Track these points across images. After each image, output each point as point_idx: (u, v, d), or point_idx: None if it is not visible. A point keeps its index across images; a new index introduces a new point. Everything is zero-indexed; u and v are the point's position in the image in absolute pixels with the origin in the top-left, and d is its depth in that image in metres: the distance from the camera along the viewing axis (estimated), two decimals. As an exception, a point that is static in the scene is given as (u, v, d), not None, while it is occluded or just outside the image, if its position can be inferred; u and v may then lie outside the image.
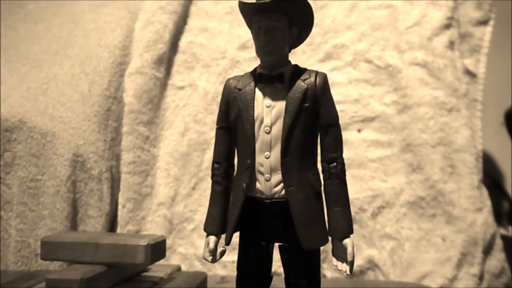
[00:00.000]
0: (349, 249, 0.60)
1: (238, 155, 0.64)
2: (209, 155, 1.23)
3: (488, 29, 1.32)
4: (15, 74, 1.25)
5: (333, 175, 0.62)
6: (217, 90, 1.28)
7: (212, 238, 0.63)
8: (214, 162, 0.65)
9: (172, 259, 1.18)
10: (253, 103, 0.61)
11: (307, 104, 0.61)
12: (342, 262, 0.61)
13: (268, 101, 0.61)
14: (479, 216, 1.13)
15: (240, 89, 0.63)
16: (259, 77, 0.62)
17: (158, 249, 0.78)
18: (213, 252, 0.63)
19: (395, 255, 1.14)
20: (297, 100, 0.60)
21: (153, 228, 1.20)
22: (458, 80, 1.22)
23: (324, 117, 0.62)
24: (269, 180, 0.61)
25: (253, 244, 0.63)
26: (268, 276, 0.64)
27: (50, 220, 1.09)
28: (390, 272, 1.14)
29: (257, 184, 0.62)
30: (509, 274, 1.17)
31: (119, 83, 1.27)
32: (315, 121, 0.62)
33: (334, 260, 0.62)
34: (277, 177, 0.61)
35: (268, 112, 0.61)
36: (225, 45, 1.32)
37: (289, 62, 0.64)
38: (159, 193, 1.22)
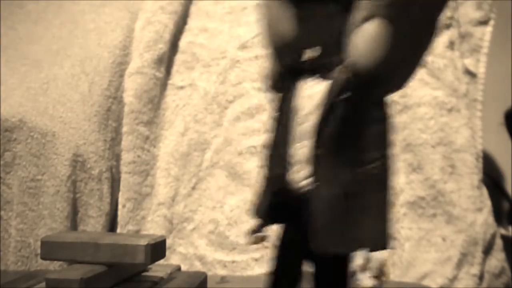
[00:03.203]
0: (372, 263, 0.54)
1: (274, 145, 0.62)
2: (209, 155, 1.23)
3: (488, 29, 1.32)
4: (15, 74, 1.25)
5: (371, 177, 0.56)
6: (217, 90, 1.28)
7: (256, 221, 0.62)
8: (265, 147, 0.63)
9: (172, 259, 1.19)
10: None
11: (346, 93, 0.56)
12: (366, 276, 0.56)
13: (306, 90, 0.59)
14: (479, 216, 1.13)
15: None
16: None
17: (158, 249, 0.78)
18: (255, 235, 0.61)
19: (395, 255, 1.14)
20: (335, 88, 0.56)
21: (153, 228, 1.20)
22: (458, 80, 1.22)
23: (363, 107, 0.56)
24: (299, 172, 0.58)
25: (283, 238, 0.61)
26: (298, 272, 0.61)
27: (50, 220, 1.09)
28: (390, 272, 1.14)
29: (288, 177, 0.58)
30: (509, 274, 1.17)
31: (119, 83, 1.27)
32: (355, 112, 0.56)
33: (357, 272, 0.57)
34: (306, 170, 0.57)
35: (306, 101, 0.58)
36: (225, 45, 1.32)
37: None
38: (159, 193, 1.22)
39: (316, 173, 0.56)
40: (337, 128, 0.55)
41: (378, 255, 0.54)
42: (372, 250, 0.55)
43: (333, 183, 0.55)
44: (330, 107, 0.56)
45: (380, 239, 0.55)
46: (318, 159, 0.56)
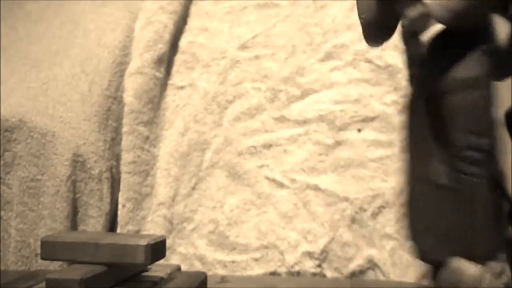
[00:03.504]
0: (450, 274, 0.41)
1: None
2: (209, 155, 1.23)
3: (488, 29, 1.32)
4: (15, 74, 1.25)
5: (462, 167, 0.43)
6: (217, 90, 1.28)
7: None
8: None
9: (172, 259, 1.18)
10: None
11: (417, 69, 0.46)
12: None
13: None
14: (479, 216, 1.13)
15: None
16: None
17: (158, 249, 0.78)
18: None
19: (395, 255, 1.14)
20: (409, 65, 0.47)
21: (153, 228, 1.20)
22: (458, 80, 1.22)
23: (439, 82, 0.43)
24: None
25: None
26: None
27: (50, 220, 1.09)
28: (390, 272, 1.14)
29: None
30: (509, 274, 1.17)
31: (119, 83, 1.27)
32: (434, 90, 0.44)
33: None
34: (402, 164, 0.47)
35: None
36: (225, 45, 1.32)
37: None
38: (159, 193, 1.22)
39: (409, 165, 0.46)
40: (421, 107, 0.44)
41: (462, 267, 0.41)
42: (466, 258, 0.43)
43: (423, 175, 0.44)
44: (409, 87, 0.45)
45: (478, 247, 0.43)
46: (410, 147, 0.46)
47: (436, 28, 0.46)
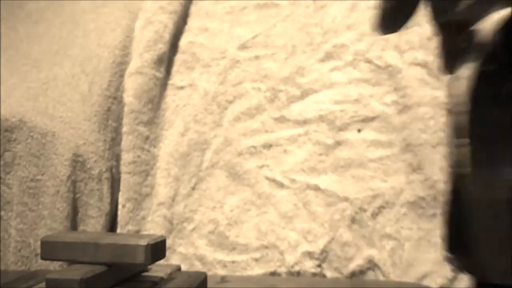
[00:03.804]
0: None
1: None
2: (209, 155, 1.23)
3: (488, 29, 1.32)
4: (15, 74, 1.25)
5: None
6: (217, 90, 1.28)
7: None
8: None
9: (172, 259, 1.19)
10: None
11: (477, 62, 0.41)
12: None
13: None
14: (479, 216, 1.13)
15: None
16: None
17: (158, 249, 0.78)
18: None
19: (395, 255, 1.14)
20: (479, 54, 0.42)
21: (153, 228, 1.20)
22: (458, 80, 1.22)
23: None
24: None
25: None
26: None
27: (50, 220, 1.09)
28: (390, 272, 1.14)
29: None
30: (509, 274, 1.17)
31: (119, 83, 1.27)
32: (491, 87, 0.40)
33: None
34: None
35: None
36: (225, 45, 1.32)
37: None
38: (159, 193, 1.22)
39: (470, 174, 0.42)
40: (489, 108, 0.39)
41: None
42: None
43: (491, 186, 0.40)
44: (477, 82, 0.40)
45: None
46: (471, 155, 0.42)
47: (501, 15, 0.40)
